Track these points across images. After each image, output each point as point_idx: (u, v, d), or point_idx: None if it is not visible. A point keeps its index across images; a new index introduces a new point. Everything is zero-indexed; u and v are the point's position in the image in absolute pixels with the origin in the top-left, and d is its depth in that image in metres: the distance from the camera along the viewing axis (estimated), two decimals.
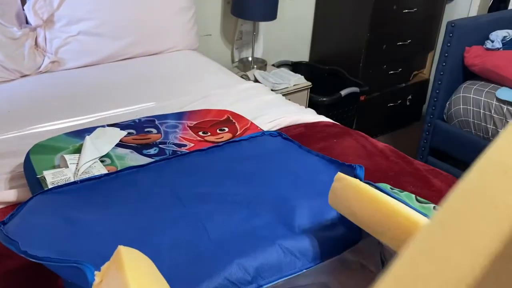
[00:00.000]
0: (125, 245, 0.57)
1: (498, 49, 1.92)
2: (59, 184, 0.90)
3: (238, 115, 1.20)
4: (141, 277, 0.49)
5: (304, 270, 0.71)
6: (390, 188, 0.73)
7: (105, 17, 1.64)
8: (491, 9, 2.55)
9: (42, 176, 0.93)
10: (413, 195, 0.68)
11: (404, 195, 0.68)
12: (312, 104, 2.13)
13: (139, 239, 0.77)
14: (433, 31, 2.57)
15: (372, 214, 0.61)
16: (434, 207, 0.68)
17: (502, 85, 1.84)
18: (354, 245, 0.77)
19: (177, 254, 0.72)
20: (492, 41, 1.94)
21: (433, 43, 2.63)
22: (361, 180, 0.84)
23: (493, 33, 1.97)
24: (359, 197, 0.65)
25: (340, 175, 0.71)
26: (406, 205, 0.62)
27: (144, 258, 0.55)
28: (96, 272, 0.53)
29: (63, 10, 1.56)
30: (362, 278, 0.78)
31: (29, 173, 0.97)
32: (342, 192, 0.69)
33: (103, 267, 0.52)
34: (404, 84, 2.59)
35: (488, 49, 1.92)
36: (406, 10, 2.31)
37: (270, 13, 2.04)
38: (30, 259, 0.64)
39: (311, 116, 1.38)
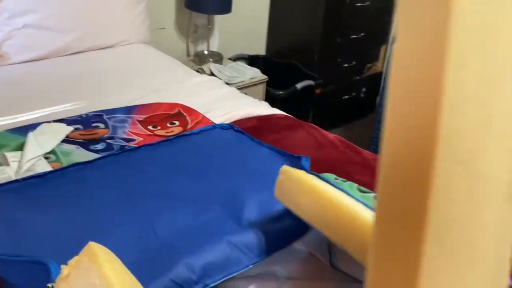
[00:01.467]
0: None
1: None
2: (0, 182, 0.87)
3: (189, 108, 1.19)
4: (116, 268, 0.51)
5: (251, 266, 0.71)
6: (335, 178, 0.74)
7: (52, 10, 1.58)
8: None
9: None
10: (355, 185, 0.70)
11: (347, 185, 0.70)
12: (269, 97, 2.13)
13: (85, 239, 0.75)
14: (386, 24, 2.63)
15: (314, 206, 0.62)
16: (374, 197, 0.70)
17: None
18: (302, 236, 0.78)
19: (124, 254, 0.71)
20: None
21: (386, 36, 2.69)
22: (306, 171, 0.85)
23: None
24: (302, 189, 0.66)
25: (284, 168, 0.71)
26: (347, 194, 0.64)
27: (113, 254, 0.56)
28: (63, 266, 0.52)
29: (6, 2, 1.50)
30: (310, 266, 0.80)
31: None
32: (287, 185, 0.70)
33: (71, 261, 0.52)
34: (358, 77, 2.63)
35: None
36: (359, 4, 2.35)
37: (225, 6, 2.03)
38: None
39: (265, 109, 1.39)
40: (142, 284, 0.63)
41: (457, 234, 0.30)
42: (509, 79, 0.29)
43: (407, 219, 0.30)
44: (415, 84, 0.29)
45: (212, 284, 0.67)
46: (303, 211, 0.66)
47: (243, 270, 0.70)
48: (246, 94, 1.74)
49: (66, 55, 1.62)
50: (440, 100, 0.27)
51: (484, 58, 0.28)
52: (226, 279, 0.71)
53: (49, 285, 0.53)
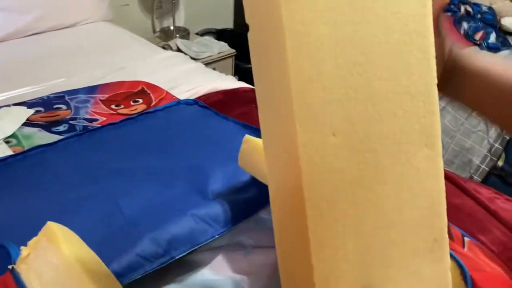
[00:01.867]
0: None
1: None
2: None
3: (153, 85, 1.18)
4: (74, 246, 0.51)
5: (216, 236, 0.72)
6: None
7: None
8: None
9: None
10: None
11: None
12: (239, 71, 2.12)
13: (49, 220, 0.75)
14: None
15: None
16: None
17: None
18: (267, 206, 0.80)
19: (89, 233, 0.71)
20: None
21: None
22: None
23: None
24: (263, 157, 0.67)
25: (247, 137, 0.72)
26: None
27: (73, 233, 0.56)
28: (22, 247, 0.53)
29: None
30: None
31: None
32: (251, 154, 0.71)
33: (30, 242, 0.52)
34: None
35: None
36: None
37: None
38: None
39: (231, 83, 1.38)
40: (108, 261, 0.64)
41: (356, 198, 0.32)
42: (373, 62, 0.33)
43: (290, 196, 0.32)
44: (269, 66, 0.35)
45: (178, 256, 0.68)
46: (266, 178, 0.68)
47: (209, 241, 0.71)
48: (214, 69, 1.73)
49: (24, 36, 1.57)
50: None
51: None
52: (193, 251, 0.72)
53: (10, 266, 0.53)
